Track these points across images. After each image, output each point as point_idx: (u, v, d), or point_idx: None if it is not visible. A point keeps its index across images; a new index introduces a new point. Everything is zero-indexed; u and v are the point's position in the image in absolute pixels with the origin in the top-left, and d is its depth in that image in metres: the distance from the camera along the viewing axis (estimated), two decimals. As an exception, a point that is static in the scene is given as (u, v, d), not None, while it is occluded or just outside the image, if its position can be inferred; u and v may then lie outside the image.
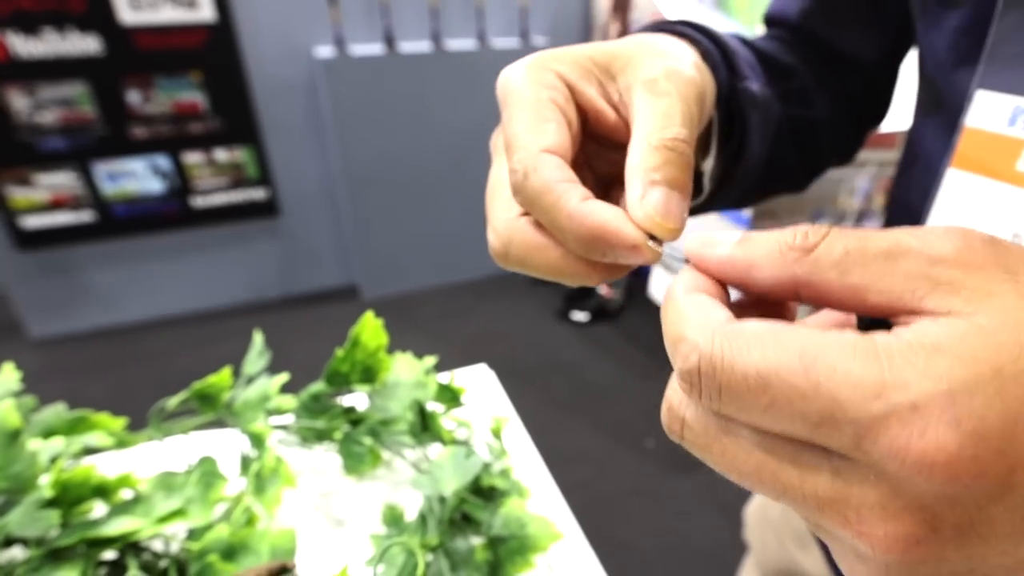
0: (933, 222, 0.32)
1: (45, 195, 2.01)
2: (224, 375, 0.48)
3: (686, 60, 0.29)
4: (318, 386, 0.50)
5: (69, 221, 2.08)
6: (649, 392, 2.16)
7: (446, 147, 2.46)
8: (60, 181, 2.00)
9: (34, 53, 1.81)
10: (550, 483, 0.52)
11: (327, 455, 0.54)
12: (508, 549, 0.42)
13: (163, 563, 0.43)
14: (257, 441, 0.46)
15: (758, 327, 0.17)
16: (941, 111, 0.38)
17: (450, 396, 0.49)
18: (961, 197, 0.31)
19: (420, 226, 2.61)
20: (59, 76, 1.86)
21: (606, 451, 1.91)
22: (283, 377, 0.50)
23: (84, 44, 1.84)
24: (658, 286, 2.62)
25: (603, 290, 2.58)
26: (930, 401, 0.14)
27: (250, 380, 0.50)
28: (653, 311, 2.61)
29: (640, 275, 2.74)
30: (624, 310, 2.64)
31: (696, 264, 0.20)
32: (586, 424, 1.98)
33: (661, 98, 0.26)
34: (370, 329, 0.48)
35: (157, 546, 0.45)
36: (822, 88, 0.46)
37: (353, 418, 0.49)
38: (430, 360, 0.52)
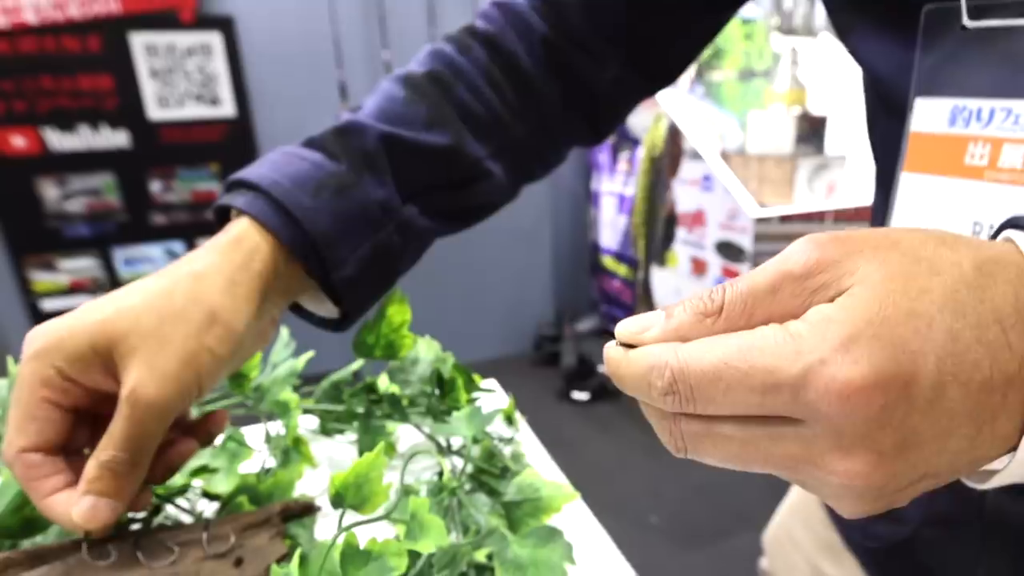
0: (895, 224, 0.33)
1: (65, 279, 2.10)
2: (254, 358, 0.51)
3: (192, 324, 0.33)
4: (339, 374, 0.54)
5: (85, 305, 2.15)
6: (652, 468, 2.15)
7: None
8: (81, 266, 2.10)
9: (67, 147, 1.96)
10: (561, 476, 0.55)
11: (346, 447, 0.58)
12: (522, 512, 0.43)
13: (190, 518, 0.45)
14: (283, 409, 0.50)
15: (704, 340, 0.21)
16: (887, 120, 0.39)
17: (467, 377, 0.53)
18: (917, 198, 0.32)
19: (421, 309, 2.68)
20: (89, 168, 2.00)
21: (610, 528, 1.88)
22: (309, 354, 0.55)
23: (115, 139, 2.00)
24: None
25: (603, 369, 2.62)
26: (832, 354, 0.19)
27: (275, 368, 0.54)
28: (653, 390, 2.62)
29: (639, 355, 2.78)
30: (624, 389, 2.66)
31: (635, 344, 0.23)
32: (589, 502, 1.96)
33: (117, 420, 0.32)
34: (397, 303, 0.51)
35: (185, 504, 0.46)
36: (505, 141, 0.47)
37: (373, 398, 0.53)
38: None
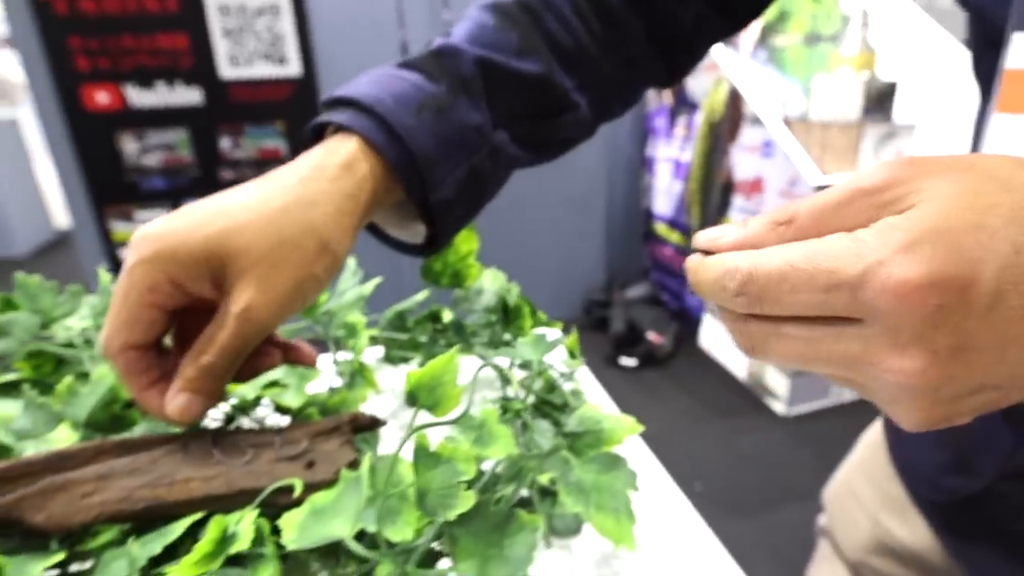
0: None
1: (141, 230, 2.21)
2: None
3: (303, 252, 0.34)
4: (404, 304, 0.57)
5: (159, 255, 2.27)
6: (698, 436, 2.16)
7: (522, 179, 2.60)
8: (155, 217, 2.21)
9: (146, 103, 2.05)
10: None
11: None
12: (584, 443, 0.42)
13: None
14: (351, 331, 0.52)
15: (775, 246, 0.23)
16: (995, 55, 0.37)
17: (531, 309, 0.55)
18: (1010, 139, 0.30)
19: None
20: (165, 123, 2.10)
21: (655, 489, 1.90)
22: (376, 280, 0.56)
23: (189, 96, 2.08)
24: (708, 336, 2.64)
25: (652, 336, 2.62)
26: (891, 255, 0.19)
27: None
28: (702, 359, 2.62)
29: (690, 324, 2.77)
30: (673, 357, 2.66)
31: (712, 251, 0.25)
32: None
33: (222, 331, 0.34)
34: (464, 232, 0.51)
35: (257, 414, 0.50)
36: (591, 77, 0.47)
37: (438, 327, 0.56)
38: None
